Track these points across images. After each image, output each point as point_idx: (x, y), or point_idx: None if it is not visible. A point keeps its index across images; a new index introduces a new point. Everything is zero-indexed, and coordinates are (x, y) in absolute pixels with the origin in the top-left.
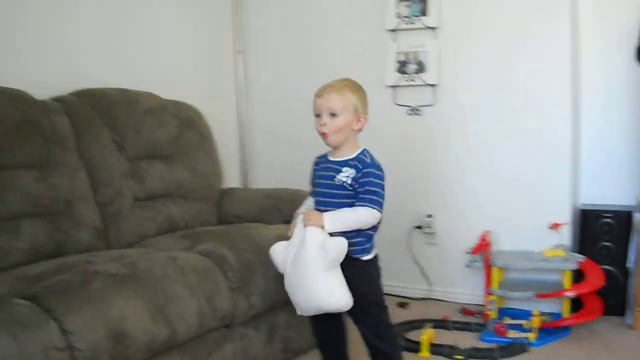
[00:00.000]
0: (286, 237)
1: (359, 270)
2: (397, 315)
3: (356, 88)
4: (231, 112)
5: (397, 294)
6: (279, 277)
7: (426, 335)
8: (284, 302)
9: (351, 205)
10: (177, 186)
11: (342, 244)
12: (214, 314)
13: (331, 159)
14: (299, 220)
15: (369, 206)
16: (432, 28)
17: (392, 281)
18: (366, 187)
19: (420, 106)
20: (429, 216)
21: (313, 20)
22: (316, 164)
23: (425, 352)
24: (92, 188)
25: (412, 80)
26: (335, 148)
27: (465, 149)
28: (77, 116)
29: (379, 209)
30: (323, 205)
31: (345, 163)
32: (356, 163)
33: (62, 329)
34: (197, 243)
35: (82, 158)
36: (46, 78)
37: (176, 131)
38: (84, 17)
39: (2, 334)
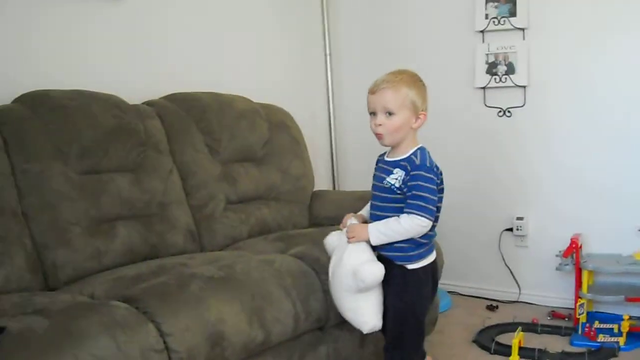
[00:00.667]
0: None
1: (398, 279)
2: (486, 318)
3: (413, 82)
4: (322, 115)
5: (486, 296)
6: None
7: (517, 339)
8: None
9: (400, 209)
10: (269, 189)
11: (375, 275)
12: (309, 316)
13: (386, 158)
14: (344, 230)
15: (415, 214)
16: (521, 29)
17: (481, 284)
18: (413, 192)
19: (510, 107)
20: (520, 218)
21: (402, 22)
22: (377, 163)
23: (515, 356)
24: (185, 191)
25: (502, 81)
26: (393, 147)
27: (556, 151)
28: (170, 120)
29: (427, 216)
30: (374, 210)
31: (396, 164)
32: (406, 164)
33: (160, 331)
34: (291, 245)
35: (175, 162)
36: (137, 83)
37: (268, 134)
38: (174, 22)
39: (102, 336)
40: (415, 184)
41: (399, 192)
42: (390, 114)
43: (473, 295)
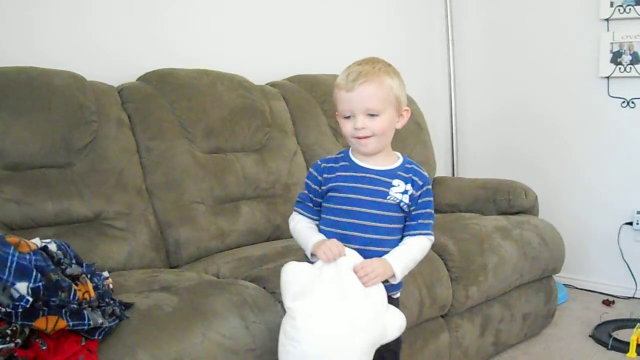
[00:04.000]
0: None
1: None
2: (603, 313)
3: (393, 71)
4: (443, 102)
5: (602, 291)
6: (497, 269)
7: (636, 335)
8: (499, 295)
9: (400, 232)
10: None
11: (402, 323)
12: (433, 303)
13: (366, 166)
14: (338, 262)
15: (430, 235)
16: None
17: (597, 278)
18: (428, 210)
19: (634, 98)
20: None
21: (525, 9)
22: (327, 170)
23: (632, 353)
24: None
25: (627, 71)
26: (367, 153)
27: None
28: (294, 101)
29: (433, 234)
30: (359, 232)
31: (393, 174)
32: (412, 176)
33: None
34: None
35: (300, 143)
36: (259, 65)
37: None
38: (297, 7)
39: (231, 315)
40: (429, 201)
41: (406, 210)
42: (373, 115)
43: (588, 289)
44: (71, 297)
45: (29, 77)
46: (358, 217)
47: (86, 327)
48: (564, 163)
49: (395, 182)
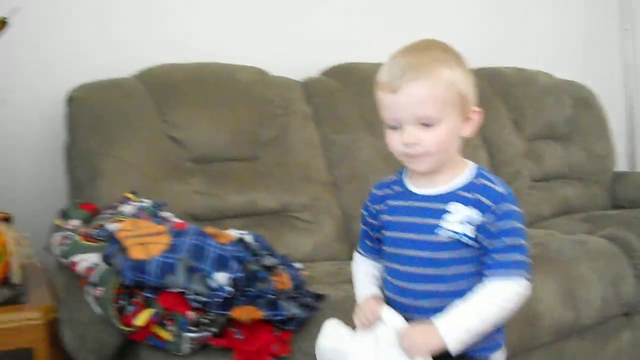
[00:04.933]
0: None
1: None
2: None
3: (453, 57)
4: (617, 93)
5: None
6: None
7: None
8: None
9: (474, 274)
10: (572, 167)
11: None
12: (618, 301)
13: (418, 191)
14: (376, 330)
15: (517, 276)
16: None
17: None
18: (504, 240)
19: None
20: None
21: None
22: (380, 199)
23: None
24: (492, 167)
25: None
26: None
27: None
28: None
29: (528, 276)
30: (410, 281)
31: (452, 196)
32: (477, 196)
33: None
34: (599, 227)
35: (482, 137)
36: None
37: (572, 111)
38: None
39: None
40: (510, 227)
41: (472, 244)
42: (427, 124)
43: None
44: (268, 287)
45: (213, 72)
46: (407, 263)
47: (282, 318)
48: None
49: (451, 207)
